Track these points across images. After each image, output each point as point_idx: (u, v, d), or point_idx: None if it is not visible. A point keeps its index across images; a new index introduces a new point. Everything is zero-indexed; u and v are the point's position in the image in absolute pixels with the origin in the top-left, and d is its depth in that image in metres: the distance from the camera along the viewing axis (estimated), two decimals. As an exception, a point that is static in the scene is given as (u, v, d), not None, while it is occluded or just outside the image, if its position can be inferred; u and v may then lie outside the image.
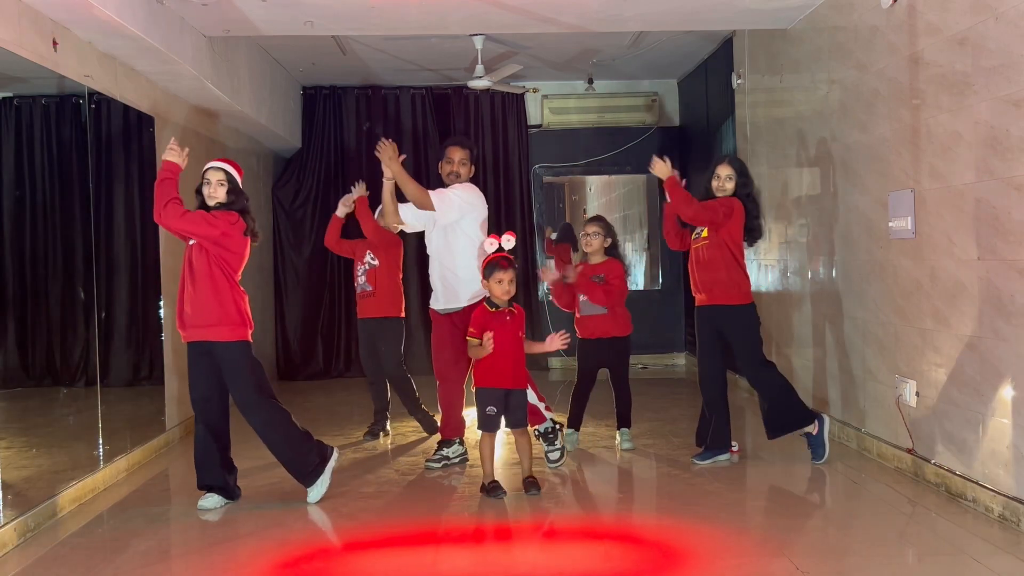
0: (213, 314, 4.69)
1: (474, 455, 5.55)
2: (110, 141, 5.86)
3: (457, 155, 5.66)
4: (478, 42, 7.66)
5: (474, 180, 5.79)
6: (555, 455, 5.51)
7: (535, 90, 10.16)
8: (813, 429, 5.44)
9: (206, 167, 4.82)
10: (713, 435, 5.52)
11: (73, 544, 4.29)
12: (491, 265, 4.92)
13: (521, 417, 5.02)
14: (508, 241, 5.00)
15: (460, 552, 4.18)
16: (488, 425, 4.95)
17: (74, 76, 5.19)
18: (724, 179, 5.46)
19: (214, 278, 4.68)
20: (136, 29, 5.20)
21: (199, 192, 4.81)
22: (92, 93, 5.45)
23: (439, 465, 5.57)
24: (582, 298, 5.95)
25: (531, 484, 4.95)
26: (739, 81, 7.92)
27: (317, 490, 4.86)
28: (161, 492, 4.98)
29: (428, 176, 10.05)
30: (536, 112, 10.25)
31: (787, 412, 5.46)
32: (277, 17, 6.28)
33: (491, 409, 4.93)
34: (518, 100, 10.10)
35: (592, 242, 5.98)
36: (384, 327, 6.48)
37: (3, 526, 4.18)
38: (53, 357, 5.40)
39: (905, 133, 5.07)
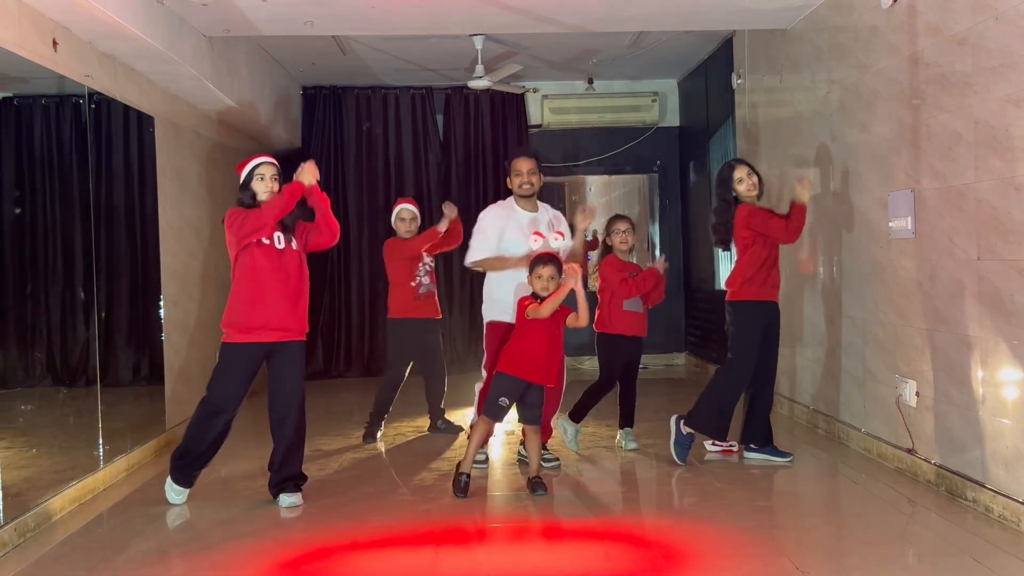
0: (306, 315, 4.83)
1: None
2: (110, 141, 5.86)
3: (526, 166, 5.49)
4: (478, 42, 7.66)
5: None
6: (548, 461, 5.53)
7: (535, 90, 10.15)
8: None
9: (256, 163, 4.82)
10: (767, 431, 5.57)
11: (73, 544, 4.29)
12: (533, 261, 4.95)
13: (536, 415, 4.98)
14: (555, 239, 5.19)
15: (460, 552, 4.18)
16: (493, 413, 4.90)
17: (74, 76, 5.19)
18: (747, 176, 5.45)
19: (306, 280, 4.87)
20: (136, 29, 5.21)
21: (246, 188, 4.79)
22: (92, 93, 5.45)
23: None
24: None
25: (538, 484, 4.94)
26: (739, 81, 7.92)
27: (298, 497, 4.85)
28: (161, 492, 4.96)
29: (427, 178, 10.05)
30: (536, 112, 10.25)
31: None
32: (277, 17, 6.28)
33: (504, 400, 4.87)
34: (518, 100, 10.09)
35: (628, 239, 5.85)
36: (439, 326, 6.58)
37: (3, 526, 4.18)
38: (53, 357, 5.39)
39: (905, 133, 5.07)
